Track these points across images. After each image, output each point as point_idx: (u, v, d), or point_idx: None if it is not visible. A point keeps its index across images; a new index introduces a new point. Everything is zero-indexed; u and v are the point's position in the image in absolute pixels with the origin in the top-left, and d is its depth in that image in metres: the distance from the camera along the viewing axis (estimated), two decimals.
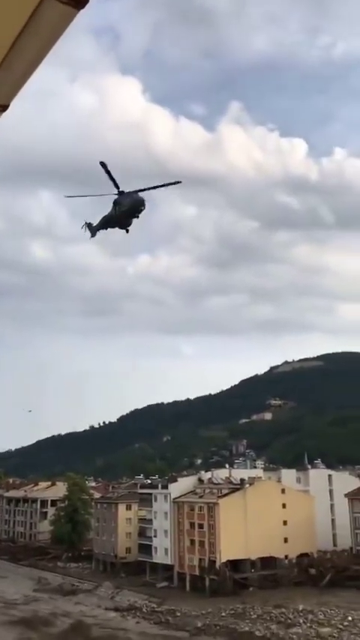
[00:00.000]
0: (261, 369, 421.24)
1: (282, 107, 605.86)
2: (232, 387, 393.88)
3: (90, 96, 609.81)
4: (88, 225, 36.56)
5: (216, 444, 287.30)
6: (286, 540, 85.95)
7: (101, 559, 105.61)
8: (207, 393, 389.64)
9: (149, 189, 32.26)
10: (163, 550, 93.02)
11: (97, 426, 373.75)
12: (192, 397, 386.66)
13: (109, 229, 34.61)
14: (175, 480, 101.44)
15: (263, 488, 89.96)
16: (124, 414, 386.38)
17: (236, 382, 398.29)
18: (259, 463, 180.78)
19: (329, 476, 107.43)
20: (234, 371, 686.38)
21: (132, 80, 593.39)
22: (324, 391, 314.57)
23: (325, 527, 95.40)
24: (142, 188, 32.16)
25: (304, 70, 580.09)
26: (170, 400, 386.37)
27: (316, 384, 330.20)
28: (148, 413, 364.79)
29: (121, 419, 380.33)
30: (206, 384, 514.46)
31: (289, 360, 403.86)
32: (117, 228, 33.81)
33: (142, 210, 32.07)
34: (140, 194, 32.32)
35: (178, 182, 32.50)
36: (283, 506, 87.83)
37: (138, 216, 32.35)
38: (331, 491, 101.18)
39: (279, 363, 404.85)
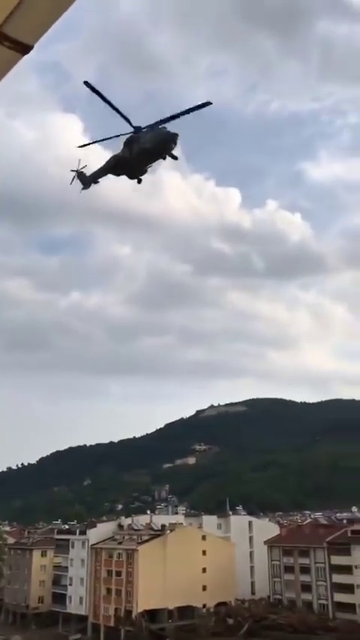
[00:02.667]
0: (187, 412, 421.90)
1: (219, 157, 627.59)
2: (157, 430, 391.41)
3: (31, 131, 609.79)
4: (79, 175, 30.91)
5: (138, 488, 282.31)
6: (204, 588, 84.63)
7: (11, 609, 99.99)
8: (131, 435, 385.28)
9: (173, 117, 26.15)
10: (77, 599, 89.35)
11: (15, 467, 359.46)
12: (116, 440, 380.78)
13: (118, 176, 28.05)
14: (94, 526, 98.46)
15: (184, 535, 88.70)
16: (45, 455, 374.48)
17: (161, 425, 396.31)
18: (181, 509, 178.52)
19: (250, 522, 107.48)
20: (160, 413, 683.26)
21: (74, 118, 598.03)
22: (248, 436, 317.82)
23: (244, 574, 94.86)
24: (164, 117, 26.00)
25: (241, 123, 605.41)
26: (93, 442, 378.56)
27: (240, 428, 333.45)
28: (69, 455, 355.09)
29: (41, 460, 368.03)
30: (131, 427, 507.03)
31: (215, 404, 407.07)
32: (125, 176, 27.97)
33: (172, 149, 26.39)
34: (163, 128, 26.00)
35: (209, 103, 26.51)
36: (204, 553, 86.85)
37: (165, 157, 26.71)
38: (251, 538, 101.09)
39: (205, 407, 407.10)
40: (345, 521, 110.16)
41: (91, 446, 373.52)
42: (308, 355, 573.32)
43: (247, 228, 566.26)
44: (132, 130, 26.89)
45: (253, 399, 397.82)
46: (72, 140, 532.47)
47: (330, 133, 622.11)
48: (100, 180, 30.66)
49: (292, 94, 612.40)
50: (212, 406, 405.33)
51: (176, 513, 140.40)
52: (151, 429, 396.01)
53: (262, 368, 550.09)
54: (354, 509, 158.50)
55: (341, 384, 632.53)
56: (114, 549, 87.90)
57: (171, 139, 26.22)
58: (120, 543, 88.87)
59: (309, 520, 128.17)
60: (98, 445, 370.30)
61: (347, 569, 79.52)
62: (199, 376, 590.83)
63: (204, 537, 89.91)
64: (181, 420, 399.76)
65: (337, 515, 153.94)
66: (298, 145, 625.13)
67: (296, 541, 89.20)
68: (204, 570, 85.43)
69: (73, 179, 30.43)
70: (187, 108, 26.31)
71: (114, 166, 28.52)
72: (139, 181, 28.04)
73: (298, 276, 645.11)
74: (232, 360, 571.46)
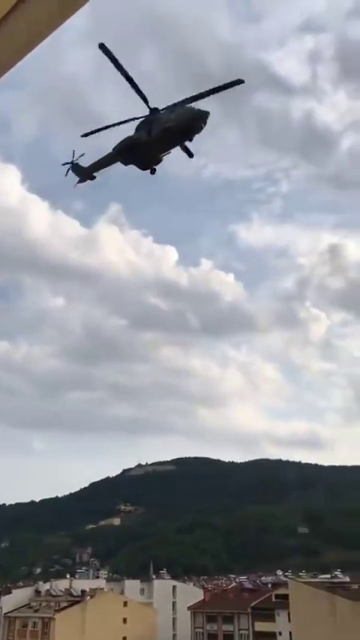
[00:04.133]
0: (114, 471, 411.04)
1: (157, 215, 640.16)
2: (81, 489, 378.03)
3: None
4: (74, 167, 27.11)
5: (59, 551, 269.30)
6: None
7: None
8: (54, 495, 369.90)
9: (199, 96, 22.49)
10: None
11: None
12: (37, 499, 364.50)
13: (126, 164, 24.26)
14: (10, 592, 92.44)
15: (104, 602, 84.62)
16: None
17: (86, 484, 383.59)
18: (103, 573, 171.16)
19: (174, 587, 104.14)
20: (86, 472, 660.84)
21: (12, 168, 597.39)
22: (176, 496, 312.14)
23: None
24: (188, 97, 22.17)
25: (178, 184, 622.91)
26: (13, 502, 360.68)
27: (168, 488, 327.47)
28: None
29: None
30: (54, 485, 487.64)
31: (143, 462, 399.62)
32: (134, 166, 24.19)
33: (200, 129, 22.56)
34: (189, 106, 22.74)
35: (241, 81, 23.00)
36: (124, 620, 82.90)
37: (191, 139, 23.22)
38: (174, 604, 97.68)
39: (132, 466, 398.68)
40: (270, 585, 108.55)
41: (10, 505, 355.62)
42: (237, 414, 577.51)
43: (183, 286, 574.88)
44: (148, 111, 23.61)
45: (181, 458, 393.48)
46: (9, 189, 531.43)
47: (262, 200, 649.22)
48: (99, 172, 27.17)
49: (228, 160, 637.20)
50: (140, 465, 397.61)
51: (97, 577, 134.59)
52: (75, 488, 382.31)
53: (192, 426, 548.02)
54: (279, 572, 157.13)
55: (269, 444, 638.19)
56: (29, 618, 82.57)
57: (200, 117, 22.82)
58: (36, 611, 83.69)
59: (234, 584, 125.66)
60: (18, 505, 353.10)
61: (271, 636, 77.77)
62: (127, 433, 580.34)
63: (125, 604, 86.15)
64: (107, 479, 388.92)
65: (263, 578, 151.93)
66: (233, 209, 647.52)
67: (221, 606, 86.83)
68: (124, 639, 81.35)
69: (67, 171, 27.43)
70: (217, 86, 22.91)
71: (124, 152, 24.78)
72: (153, 171, 24.61)
73: (230, 334, 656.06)
74: (162, 417, 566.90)
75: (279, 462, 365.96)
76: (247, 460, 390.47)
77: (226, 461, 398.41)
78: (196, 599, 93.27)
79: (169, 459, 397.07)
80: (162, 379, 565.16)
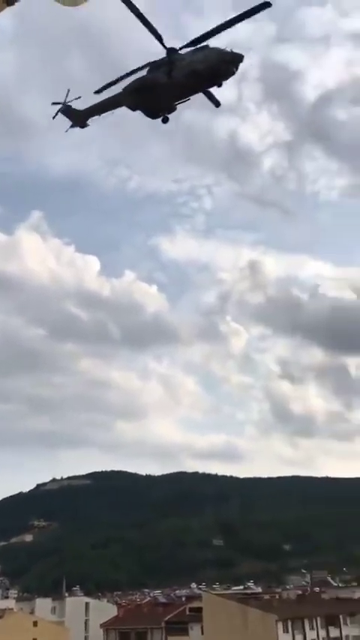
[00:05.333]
0: (28, 485, 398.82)
1: (80, 225, 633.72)
2: None
3: None
4: (66, 109, 24.00)
5: None
6: None
7: None
8: None
9: (230, 22, 19.51)
10: None
11: None
12: None
13: (134, 110, 21.63)
14: None
15: (13, 622, 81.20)
16: None
17: None
18: (13, 592, 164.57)
19: (86, 604, 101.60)
20: None
21: None
22: (91, 511, 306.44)
23: None
24: (211, 29, 19.43)
25: (102, 195, 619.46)
26: None
27: (83, 503, 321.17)
28: None
29: None
30: None
31: (58, 477, 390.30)
32: (142, 112, 21.35)
33: (232, 73, 20.08)
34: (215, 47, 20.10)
35: (268, 4, 19.79)
36: None
37: (221, 84, 20.60)
38: (87, 622, 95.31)
39: (47, 480, 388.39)
40: (184, 599, 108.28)
41: None
42: (157, 427, 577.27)
43: (105, 296, 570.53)
44: (165, 51, 20.68)
45: (98, 472, 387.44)
46: None
47: (186, 214, 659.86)
48: (95, 117, 23.74)
49: (153, 174, 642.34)
50: (55, 479, 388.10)
51: (7, 597, 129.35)
52: None
53: (110, 439, 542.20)
54: (193, 585, 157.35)
55: (187, 457, 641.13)
56: None
57: (233, 60, 20.27)
58: None
59: (148, 599, 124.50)
60: None
61: None
62: (43, 447, 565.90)
63: (35, 624, 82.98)
64: (20, 494, 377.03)
65: (177, 592, 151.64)
66: (156, 222, 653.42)
67: (134, 622, 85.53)
68: None
69: (56, 113, 24.52)
70: (243, 12, 19.93)
71: (136, 94, 21.53)
72: (166, 120, 21.67)
73: (152, 346, 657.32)
74: (80, 430, 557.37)
75: (196, 474, 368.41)
76: (164, 473, 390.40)
77: (143, 474, 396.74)
78: (109, 615, 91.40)
79: (85, 472, 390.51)
80: (81, 391, 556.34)
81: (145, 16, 19.89)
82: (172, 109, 21.76)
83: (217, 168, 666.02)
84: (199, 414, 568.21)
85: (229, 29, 20.34)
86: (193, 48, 21.02)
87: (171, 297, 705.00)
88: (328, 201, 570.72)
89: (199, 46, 20.97)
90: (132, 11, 19.70)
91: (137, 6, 19.62)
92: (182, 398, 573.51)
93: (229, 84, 21.69)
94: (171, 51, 21.11)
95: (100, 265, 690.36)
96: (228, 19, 20.27)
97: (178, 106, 22.10)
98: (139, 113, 22.34)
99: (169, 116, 22.04)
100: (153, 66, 21.57)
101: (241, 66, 20.51)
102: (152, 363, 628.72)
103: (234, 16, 20.33)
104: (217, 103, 22.35)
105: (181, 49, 21.11)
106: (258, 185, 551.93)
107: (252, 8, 19.95)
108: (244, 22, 20.12)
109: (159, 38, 20.79)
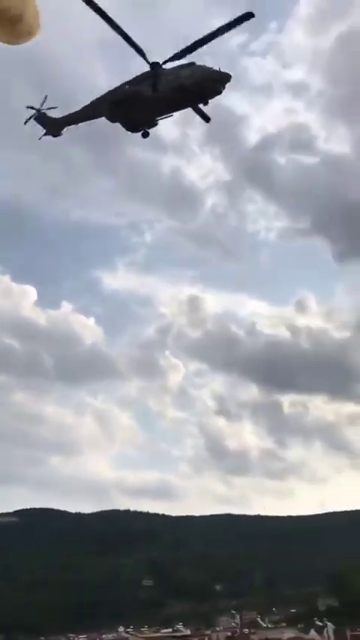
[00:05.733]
0: None
1: (18, 254, 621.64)
2: None
3: None
4: (40, 116, 22.65)
5: None
6: None
7: None
8: None
9: (214, 34, 18.78)
10: None
11: None
12: None
13: (113, 121, 20.61)
14: None
15: None
16: None
17: None
18: None
19: None
20: None
21: None
22: (16, 551, 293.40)
23: None
24: (195, 41, 19.01)
25: (42, 225, 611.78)
26: None
27: (8, 543, 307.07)
28: None
29: None
30: None
31: None
32: (121, 124, 20.47)
33: (219, 92, 19.86)
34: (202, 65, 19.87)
35: (251, 14, 19.10)
36: None
37: (207, 102, 20.42)
38: None
39: None
40: None
41: None
42: (89, 463, 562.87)
43: (41, 328, 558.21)
44: (149, 65, 20.26)
45: (26, 509, 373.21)
46: None
47: (127, 248, 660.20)
48: (72, 126, 22.63)
49: (96, 206, 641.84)
50: None
51: None
52: None
53: (40, 475, 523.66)
54: (120, 629, 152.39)
55: (119, 494, 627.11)
56: None
57: (221, 79, 19.97)
58: None
59: None
60: None
61: None
62: None
63: None
64: None
65: (104, 636, 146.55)
66: (97, 254, 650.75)
67: None
68: None
69: (29, 119, 23.18)
70: (226, 23, 19.69)
71: (118, 105, 20.72)
72: (146, 135, 21.01)
73: (87, 380, 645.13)
74: (8, 466, 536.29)
75: (128, 512, 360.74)
76: (95, 511, 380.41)
77: (73, 512, 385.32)
78: None
79: (11, 510, 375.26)
80: (12, 425, 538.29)
81: (126, 31, 19.36)
82: (153, 124, 21.29)
83: (160, 204, 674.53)
84: (133, 450, 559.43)
85: (212, 41, 19.83)
86: (179, 64, 20.69)
87: (109, 330, 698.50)
88: (267, 242, 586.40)
89: (185, 62, 20.67)
90: (112, 27, 19.15)
91: (117, 22, 19.11)
92: (117, 433, 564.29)
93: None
94: (155, 65, 20.69)
95: (37, 296, 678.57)
96: (211, 31, 19.53)
97: (148, 127, 21.80)
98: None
99: (149, 131, 21.56)
100: (136, 79, 21.16)
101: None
102: (87, 398, 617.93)
103: (217, 27, 19.77)
104: (206, 119, 21.96)
105: (164, 63, 20.70)
106: (199, 223, 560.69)
107: (235, 19, 19.50)
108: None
109: (141, 52, 20.32)
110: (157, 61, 20.74)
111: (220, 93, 20.52)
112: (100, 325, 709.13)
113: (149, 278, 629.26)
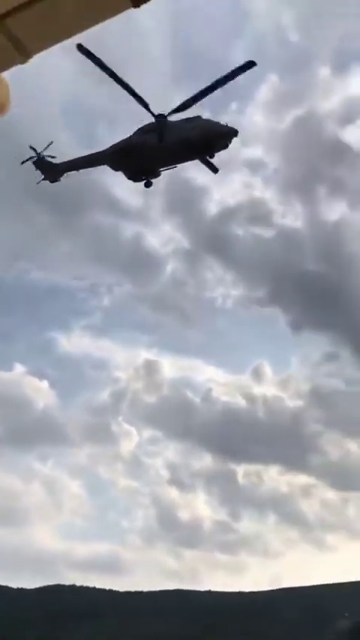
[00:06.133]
0: None
1: None
2: None
3: None
4: (39, 162, 21.79)
5: None
6: None
7: None
8: None
9: (212, 88, 18.96)
10: None
11: None
12: None
13: (116, 170, 20.21)
14: None
15: None
16: None
17: None
18: None
19: None
20: None
21: None
22: None
23: None
24: (202, 90, 19.06)
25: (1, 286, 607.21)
26: None
27: None
28: None
29: None
30: None
31: None
32: (125, 174, 20.19)
33: (225, 146, 19.68)
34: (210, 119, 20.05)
35: (253, 63, 19.78)
36: None
37: (213, 156, 20.31)
38: None
39: None
40: None
41: None
42: (35, 534, 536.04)
43: None
44: (154, 115, 20.46)
45: None
46: None
47: (84, 311, 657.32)
48: (72, 172, 22.58)
49: (54, 268, 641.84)
50: None
51: None
52: None
53: None
54: None
55: (65, 568, 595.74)
56: None
57: (228, 134, 19.98)
58: None
59: None
60: None
61: None
62: None
63: None
64: None
65: None
66: (54, 316, 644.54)
67: None
68: None
69: (27, 159, 22.80)
70: (229, 73, 19.86)
71: (122, 154, 21.13)
72: (149, 184, 21.36)
73: (37, 445, 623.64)
74: None
75: (73, 587, 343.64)
76: (39, 586, 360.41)
77: (15, 587, 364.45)
78: None
79: None
80: None
81: (131, 86, 20.27)
82: (157, 174, 21.52)
83: (120, 268, 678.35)
84: (81, 521, 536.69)
85: (215, 92, 20.40)
86: (185, 117, 21.03)
87: (62, 394, 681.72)
88: (224, 309, 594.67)
89: (191, 116, 21.20)
90: (118, 82, 19.93)
91: (124, 80, 19.93)
92: (65, 502, 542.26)
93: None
94: (160, 117, 21.17)
95: None
96: (213, 81, 19.95)
97: (146, 178, 22.33)
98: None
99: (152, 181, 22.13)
100: (142, 130, 21.60)
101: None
102: (36, 464, 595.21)
103: (220, 77, 19.99)
104: (214, 170, 22.52)
105: (168, 114, 21.06)
106: (158, 288, 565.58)
107: (238, 68, 19.90)
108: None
109: (145, 106, 20.87)
110: (163, 112, 21.26)
111: (226, 147, 20.91)
112: (54, 388, 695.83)
113: (105, 341, 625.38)
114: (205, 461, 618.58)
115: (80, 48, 18.96)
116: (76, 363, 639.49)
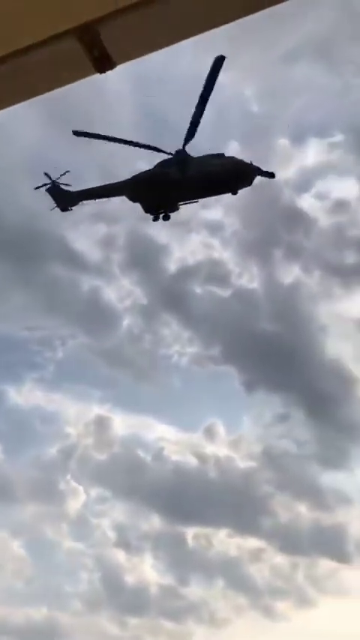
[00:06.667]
0: None
1: None
2: None
3: None
4: (53, 189, 20.84)
5: None
6: None
7: None
8: None
9: (204, 100, 19.09)
10: None
11: None
12: None
13: (135, 201, 19.88)
14: None
15: None
16: None
17: None
18: None
19: None
20: None
21: None
22: None
23: None
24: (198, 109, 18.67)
25: None
26: None
27: None
28: None
29: None
30: None
31: None
32: (143, 206, 19.62)
33: (248, 184, 19.09)
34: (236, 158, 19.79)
35: (222, 57, 19.66)
36: None
37: (236, 192, 19.71)
38: None
39: None
40: None
41: None
42: None
43: None
44: (171, 154, 20.26)
45: None
46: None
47: (36, 364, 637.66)
48: (87, 202, 21.79)
49: (7, 319, 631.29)
50: None
51: None
52: None
53: None
54: None
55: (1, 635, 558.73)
56: None
57: (250, 172, 19.86)
58: None
59: None
60: None
61: None
62: None
63: None
64: None
65: None
66: (3, 368, 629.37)
67: None
68: None
69: (41, 186, 22.19)
70: (207, 77, 19.64)
71: (141, 186, 20.46)
72: (167, 218, 20.69)
73: None
74: None
75: None
76: None
77: None
78: None
79: None
80: None
81: (137, 141, 20.19)
82: (175, 209, 20.92)
83: (75, 321, 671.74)
84: (20, 584, 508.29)
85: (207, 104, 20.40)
86: (209, 153, 20.88)
87: (9, 448, 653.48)
88: (179, 366, 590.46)
89: (215, 153, 21.04)
90: (121, 142, 19.99)
91: (125, 137, 20.01)
92: (4, 564, 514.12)
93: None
94: (180, 152, 20.77)
95: None
96: (199, 96, 20.04)
97: (165, 212, 21.45)
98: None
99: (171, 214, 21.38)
100: (163, 163, 21.08)
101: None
102: None
103: (202, 91, 20.04)
104: (234, 192, 22.00)
105: (184, 146, 20.55)
106: (113, 343, 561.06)
107: (211, 70, 19.73)
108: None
109: (157, 149, 20.62)
110: (182, 148, 20.99)
111: (250, 185, 20.76)
112: (0, 442, 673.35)
113: (57, 395, 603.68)
114: (153, 523, 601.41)
115: (76, 133, 19.56)
116: (26, 417, 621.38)
